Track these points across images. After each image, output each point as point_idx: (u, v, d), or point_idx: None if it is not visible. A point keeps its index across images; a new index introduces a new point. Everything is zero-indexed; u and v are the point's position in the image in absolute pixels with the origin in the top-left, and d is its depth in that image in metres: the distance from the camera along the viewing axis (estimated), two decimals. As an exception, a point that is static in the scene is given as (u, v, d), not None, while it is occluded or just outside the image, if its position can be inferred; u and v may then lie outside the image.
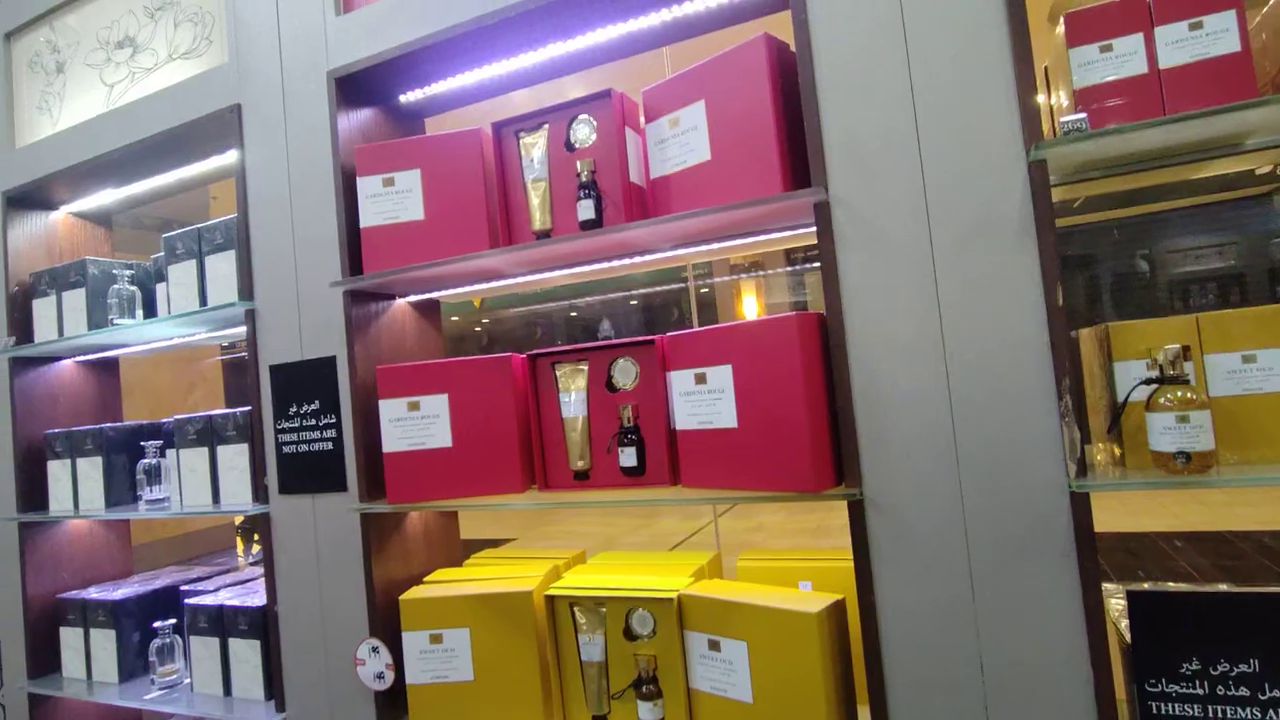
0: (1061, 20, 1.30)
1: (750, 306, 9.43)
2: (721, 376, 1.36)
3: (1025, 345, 1.17)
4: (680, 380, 1.42)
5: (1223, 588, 1.17)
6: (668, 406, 1.46)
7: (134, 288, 2.13)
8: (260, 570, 2.32)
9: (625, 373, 1.51)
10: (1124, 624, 1.22)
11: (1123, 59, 1.24)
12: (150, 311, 2.17)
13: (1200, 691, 1.14)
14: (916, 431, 1.22)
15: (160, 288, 2.12)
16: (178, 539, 2.96)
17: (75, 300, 2.19)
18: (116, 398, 2.56)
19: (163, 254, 2.04)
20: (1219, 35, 1.19)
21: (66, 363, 2.43)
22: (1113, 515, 5.37)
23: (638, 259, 1.65)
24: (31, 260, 2.37)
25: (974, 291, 1.21)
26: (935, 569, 1.21)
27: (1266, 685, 1.10)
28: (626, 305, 10.60)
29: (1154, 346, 1.17)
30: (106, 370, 2.54)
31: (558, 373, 1.56)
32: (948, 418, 1.21)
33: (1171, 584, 1.21)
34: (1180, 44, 1.21)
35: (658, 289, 10.20)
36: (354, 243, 1.70)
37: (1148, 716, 1.16)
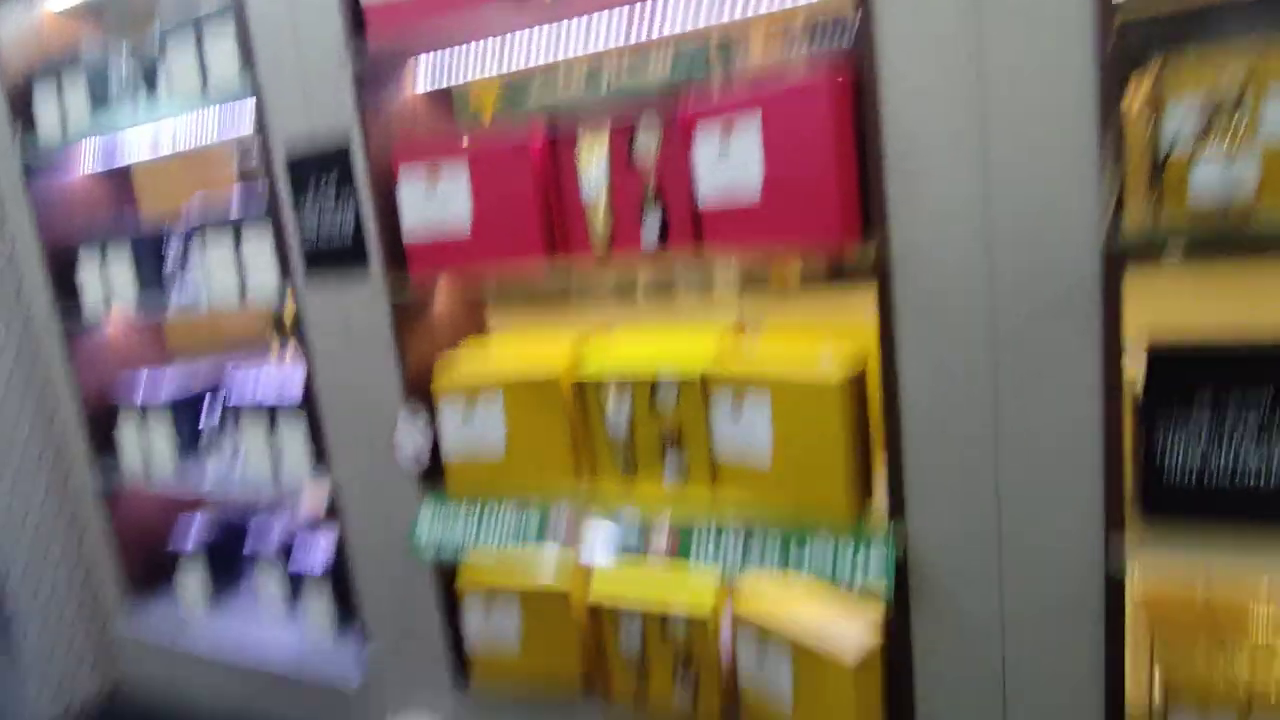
0: None
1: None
2: (748, 135, 1.30)
3: (1070, 85, 1.10)
4: (704, 142, 1.37)
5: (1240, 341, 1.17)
6: (691, 173, 1.42)
7: (134, 63, 2.03)
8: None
9: (647, 141, 1.46)
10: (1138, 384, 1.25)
11: None
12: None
13: (1206, 435, 1.18)
14: (947, 183, 1.19)
15: (161, 71, 2.01)
16: (210, 339, 3.05)
17: (75, 86, 2.11)
18: (133, 205, 2.55)
19: (158, 26, 1.93)
20: None
21: (79, 175, 2.39)
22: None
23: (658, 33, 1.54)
24: (25, 58, 2.26)
25: (1018, 25, 1.11)
26: (957, 324, 1.22)
27: (1275, 429, 1.14)
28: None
29: (1208, 86, 1.08)
30: (120, 179, 2.51)
31: (578, 145, 1.51)
32: (981, 167, 1.16)
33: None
34: None
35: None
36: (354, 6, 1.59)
37: (1152, 464, 1.21)
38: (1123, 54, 1.09)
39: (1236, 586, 1.41)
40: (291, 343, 2.77)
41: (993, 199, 1.16)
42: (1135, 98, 1.19)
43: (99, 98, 2.10)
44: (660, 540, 1.50)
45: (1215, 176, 1.05)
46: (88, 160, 2.40)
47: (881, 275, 1.25)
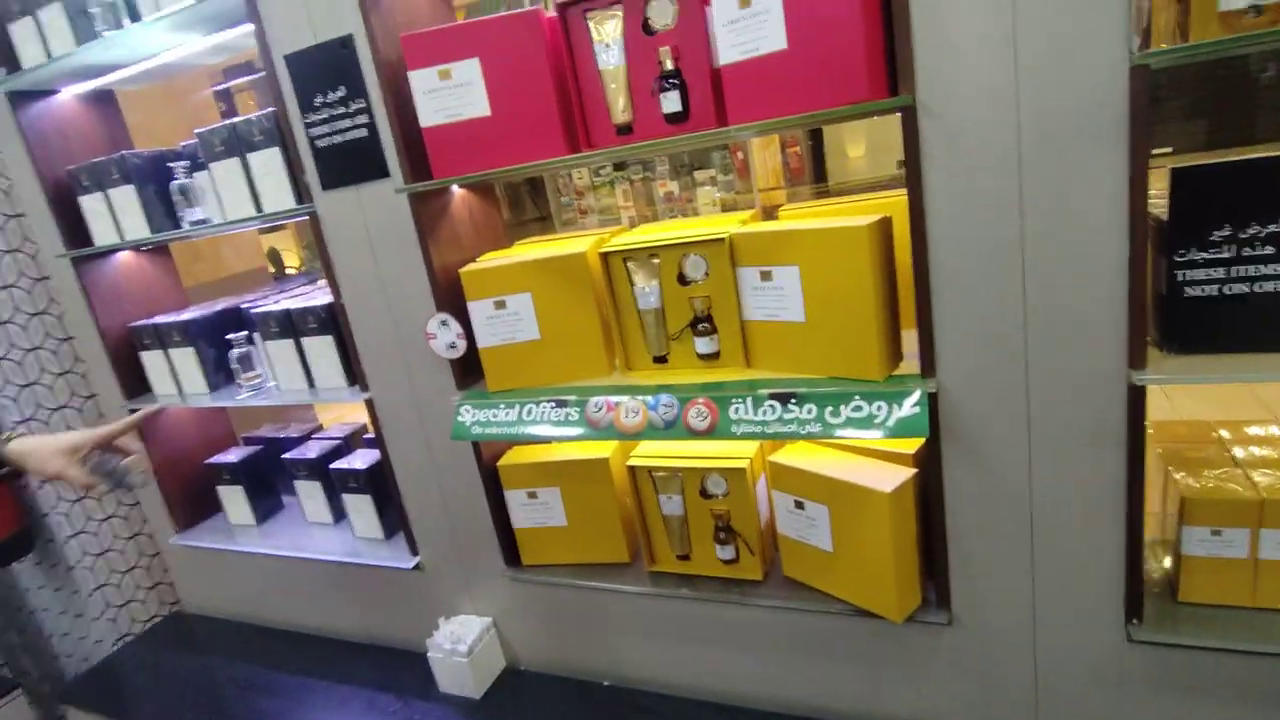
0: None
1: None
2: (769, -9, 1.29)
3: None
4: (722, 6, 1.36)
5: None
6: (709, 41, 1.41)
7: (113, -6, 1.97)
8: (310, 286, 2.43)
9: (662, 12, 1.44)
10: (1158, 211, 1.28)
11: None
12: (134, 16, 2.01)
13: (1228, 255, 1.22)
14: (973, 27, 1.19)
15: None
16: (215, 284, 3.06)
17: (54, 18, 2.04)
18: (124, 132, 2.50)
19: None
20: None
21: (68, 98, 2.34)
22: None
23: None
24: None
25: None
26: (984, 164, 1.24)
27: (1293, 245, 1.18)
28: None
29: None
30: (106, 103, 2.46)
31: (590, 21, 1.49)
32: (1009, 9, 1.16)
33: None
34: None
35: None
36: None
37: (1173, 285, 1.26)
38: None
39: (1251, 406, 1.48)
40: (297, 272, 2.76)
41: (1020, 28, 1.17)
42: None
43: (83, 33, 2.03)
44: (698, 416, 1.55)
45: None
46: (76, 90, 2.35)
47: (908, 116, 1.26)
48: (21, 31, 2.12)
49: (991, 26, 1.18)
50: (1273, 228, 1.19)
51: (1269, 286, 1.21)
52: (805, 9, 1.27)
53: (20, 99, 2.24)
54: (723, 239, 1.51)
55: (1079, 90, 1.16)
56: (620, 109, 1.52)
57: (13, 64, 2.17)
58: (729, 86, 1.41)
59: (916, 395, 1.36)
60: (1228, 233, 1.21)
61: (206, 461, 2.56)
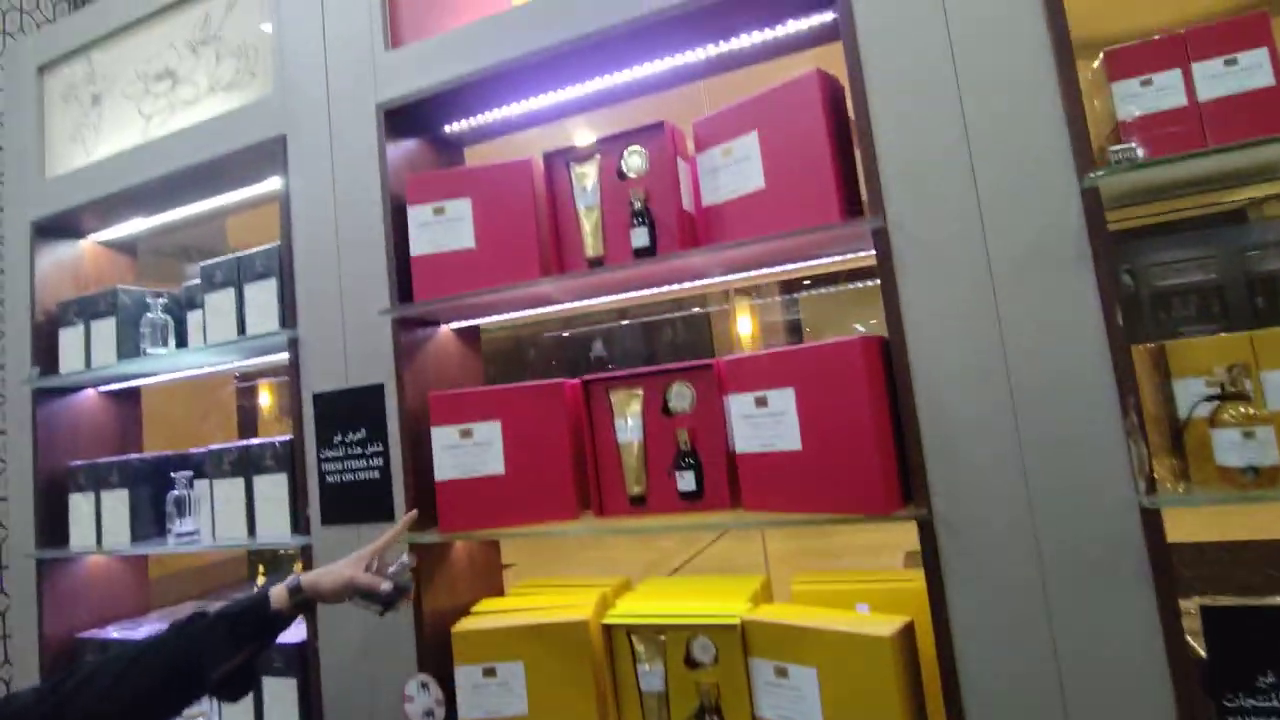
0: (1100, 56, 1.36)
1: (745, 325, 9.49)
2: (784, 400, 1.37)
3: (1086, 363, 1.20)
4: (740, 404, 1.43)
5: (1290, 601, 1.18)
6: (726, 429, 1.47)
7: (167, 316, 2.12)
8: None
9: (681, 397, 1.52)
10: (1195, 641, 1.23)
11: (1162, 92, 1.30)
12: (180, 341, 2.15)
13: (1277, 704, 1.15)
14: (983, 451, 1.24)
15: (191, 317, 2.09)
16: (194, 570, 2.90)
17: (105, 329, 2.17)
18: (138, 428, 2.53)
19: (199, 281, 2.03)
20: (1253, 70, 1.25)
21: (89, 392, 2.40)
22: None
23: (687, 285, 1.67)
24: (58, 289, 2.35)
25: (1033, 312, 1.24)
26: (1008, 588, 1.22)
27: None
28: (620, 328, 10.59)
29: (1212, 364, 1.19)
30: (129, 400, 2.52)
31: (612, 398, 1.57)
32: (1014, 435, 1.23)
33: (1242, 599, 1.22)
34: (1217, 78, 1.27)
35: (653, 318, 10.21)
36: (403, 270, 1.71)
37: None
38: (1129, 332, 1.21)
39: None
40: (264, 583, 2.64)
41: (1028, 458, 1.22)
42: (1140, 370, 1.29)
43: (127, 348, 2.15)
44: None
45: (1238, 442, 1.12)
46: (100, 389, 2.43)
47: (927, 540, 1.26)
48: (69, 338, 2.24)
49: (1001, 456, 1.23)
50: None
51: None
52: (780, 157, 1.39)
53: (43, 394, 2.29)
54: (734, 624, 1.43)
55: (1094, 529, 1.18)
56: (634, 481, 1.54)
57: (51, 366, 2.26)
58: (744, 471, 1.44)
59: (954, 841, 1.19)
60: (1274, 679, 1.15)
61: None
